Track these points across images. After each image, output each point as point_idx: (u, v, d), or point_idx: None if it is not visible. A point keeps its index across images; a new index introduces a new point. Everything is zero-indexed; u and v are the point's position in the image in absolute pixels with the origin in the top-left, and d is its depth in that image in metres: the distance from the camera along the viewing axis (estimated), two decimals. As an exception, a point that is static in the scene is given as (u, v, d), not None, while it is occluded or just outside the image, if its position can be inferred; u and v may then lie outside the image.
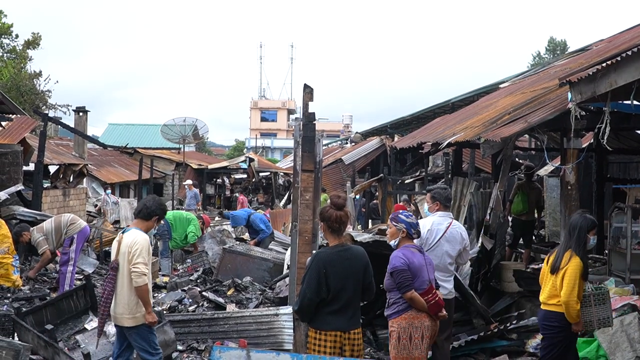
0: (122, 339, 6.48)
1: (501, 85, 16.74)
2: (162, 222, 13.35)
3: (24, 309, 8.16)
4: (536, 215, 12.60)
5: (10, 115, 16.30)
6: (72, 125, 24.70)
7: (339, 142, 53.22)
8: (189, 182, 27.81)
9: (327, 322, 5.42)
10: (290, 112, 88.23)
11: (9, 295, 9.71)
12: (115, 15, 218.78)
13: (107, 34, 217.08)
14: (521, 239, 12.07)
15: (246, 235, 16.13)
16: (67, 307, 8.71)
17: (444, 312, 6.02)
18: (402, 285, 5.74)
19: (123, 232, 6.42)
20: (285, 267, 10.88)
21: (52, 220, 10.82)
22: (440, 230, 6.87)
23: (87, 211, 22.00)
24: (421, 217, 16.12)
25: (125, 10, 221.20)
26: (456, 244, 6.90)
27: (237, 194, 31.34)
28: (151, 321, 6.30)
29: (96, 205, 24.58)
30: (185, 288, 10.78)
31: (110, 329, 8.08)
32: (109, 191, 25.90)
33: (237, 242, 14.21)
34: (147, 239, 6.36)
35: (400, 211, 6.25)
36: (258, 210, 23.62)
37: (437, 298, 5.89)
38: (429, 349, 6.15)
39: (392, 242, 6.07)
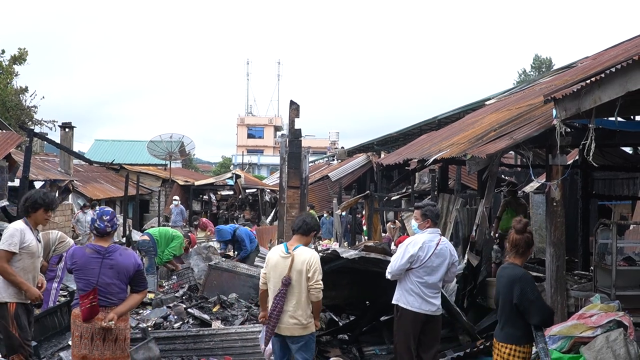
0: (284, 350, 6.67)
1: (487, 102, 16.83)
2: (147, 238, 13.42)
3: (6, 326, 8.05)
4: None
5: (-4, 131, 16.24)
6: (58, 141, 24.60)
7: (326, 159, 53.17)
8: (177, 197, 27.70)
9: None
10: (277, 128, 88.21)
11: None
12: (102, 32, 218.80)
13: (94, 50, 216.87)
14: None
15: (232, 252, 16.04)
16: (51, 324, 8.62)
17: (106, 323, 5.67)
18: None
19: (289, 250, 6.58)
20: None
21: (40, 236, 10.67)
22: (431, 247, 6.85)
23: (72, 228, 21.82)
24: (408, 234, 16.19)
25: (113, 27, 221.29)
26: (445, 260, 6.89)
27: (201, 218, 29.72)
28: (319, 328, 6.94)
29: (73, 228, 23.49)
30: (171, 305, 10.69)
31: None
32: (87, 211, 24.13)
33: (223, 259, 14.13)
34: (318, 256, 6.76)
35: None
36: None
37: (91, 305, 5.64)
38: (102, 349, 5.72)
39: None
